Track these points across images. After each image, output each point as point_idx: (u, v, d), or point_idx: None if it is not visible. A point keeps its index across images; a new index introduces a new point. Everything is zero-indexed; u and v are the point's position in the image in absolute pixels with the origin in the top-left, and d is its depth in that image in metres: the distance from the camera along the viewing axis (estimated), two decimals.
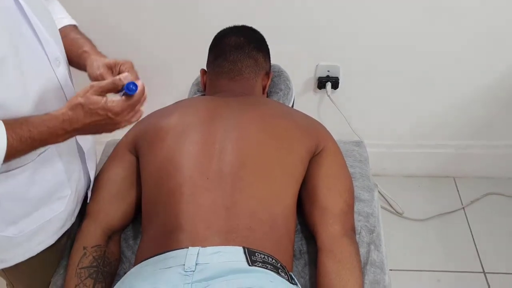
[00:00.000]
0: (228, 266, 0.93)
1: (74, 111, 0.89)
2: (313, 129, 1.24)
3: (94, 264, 1.09)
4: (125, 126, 0.95)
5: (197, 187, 1.07)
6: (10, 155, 0.85)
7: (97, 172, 1.24)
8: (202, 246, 0.97)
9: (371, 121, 2.02)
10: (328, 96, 1.89)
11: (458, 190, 2.14)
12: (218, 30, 1.41)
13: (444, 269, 1.84)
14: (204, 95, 1.43)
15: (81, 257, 1.10)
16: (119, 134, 1.30)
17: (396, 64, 1.85)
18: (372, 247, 1.17)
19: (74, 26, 1.18)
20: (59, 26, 1.13)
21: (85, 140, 1.12)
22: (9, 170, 0.96)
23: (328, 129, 1.28)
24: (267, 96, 1.44)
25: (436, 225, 1.99)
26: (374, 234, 1.20)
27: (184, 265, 0.93)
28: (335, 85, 1.90)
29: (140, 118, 0.96)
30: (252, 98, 1.30)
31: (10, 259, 1.07)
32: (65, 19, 1.17)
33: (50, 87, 0.96)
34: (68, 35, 1.13)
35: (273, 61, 1.45)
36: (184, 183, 1.08)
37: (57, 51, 1.00)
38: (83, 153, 1.13)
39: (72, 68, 1.11)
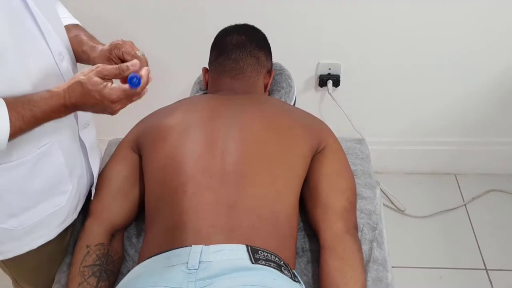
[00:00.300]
0: (231, 264, 0.93)
1: (73, 88, 0.90)
2: (315, 127, 1.24)
3: (98, 262, 1.10)
4: (121, 109, 0.96)
5: (199, 185, 1.07)
6: (14, 134, 0.86)
7: (100, 170, 1.24)
8: (205, 244, 0.97)
9: (372, 119, 2.02)
10: (330, 94, 1.89)
11: (459, 187, 2.14)
12: (220, 29, 1.41)
13: (446, 266, 1.84)
14: (206, 93, 1.43)
15: (84, 256, 1.10)
16: (121, 133, 1.31)
17: (397, 62, 1.85)
18: (375, 244, 1.18)
19: (76, 25, 1.18)
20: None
21: (87, 136, 1.12)
22: (10, 162, 0.96)
23: (329, 126, 1.28)
24: (269, 94, 1.44)
25: (437, 222, 2.00)
26: (376, 231, 1.20)
27: (187, 263, 0.94)
28: (336, 83, 1.90)
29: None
30: (254, 97, 1.30)
31: (8, 252, 1.07)
32: (67, 19, 1.17)
33: (53, 81, 0.96)
34: (69, 33, 1.13)
35: (275, 59, 1.46)
36: (187, 181, 1.08)
37: (61, 45, 1.00)
38: (86, 149, 1.13)
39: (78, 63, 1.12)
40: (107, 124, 1.75)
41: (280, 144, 1.16)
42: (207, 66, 1.41)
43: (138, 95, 0.93)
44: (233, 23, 1.42)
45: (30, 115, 0.87)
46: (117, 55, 1.00)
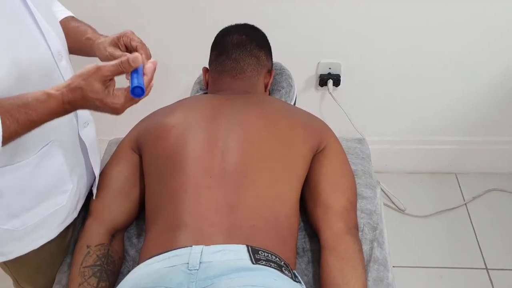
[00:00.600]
0: (232, 265, 0.93)
1: (74, 93, 0.86)
2: (316, 127, 1.24)
3: (98, 263, 1.10)
4: (123, 110, 0.92)
5: (200, 185, 1.07)
6: (10, 137, 0.83)
7: (101, 170, 1.24)
8: (206, 245, 0.97)
9: (373, 118, 2.02)
10: (330, 93, 1.89)
11: (460, 186, 2.14)
12: (220, 29, 1.41)
13: (447, 265, 1.84)
14: (206, 93, 1.43)
15: (84, 256, 1.10)
16: (121, 133, 1.31)
17: (397, 61, 1.85)
18: (375, 244, 1.18)
19: (72, 17, 1.19)
20: (58, 19, 1.13)
21: (87, 135, 1.12)
22: (13, 164, 0.96)
23: (329, 126, 1.28)
24: (269, 94, 1.44)
25: (438, 222, 2.00)
26: (377, 231, 1.20)
27: (188, 263, 0.94)
28: (336, 83, 1.90)
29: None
30: (255, 96, 1.30)
31: (10, 252, 1.07)
32: (62, 12, 1.17)
33: (52, 80, 0.96)
34: (69, 25, 1.13)
35: (275, 59, 1.45)
36: (187, 181, 1.08)
37: (60, 45, 1.00)
38: (86, 147, 1.13)
39: (73, 62, 1.11)
40: (107, 124, 1.75)
41: (281, 144, 1.15)
42: (207, 66, 1.41)
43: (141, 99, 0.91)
44: (233, 23, 1.42)
45: (25, 118, 0.83)
46: (125, 42, 1.00)
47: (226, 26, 1.41)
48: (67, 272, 1.15)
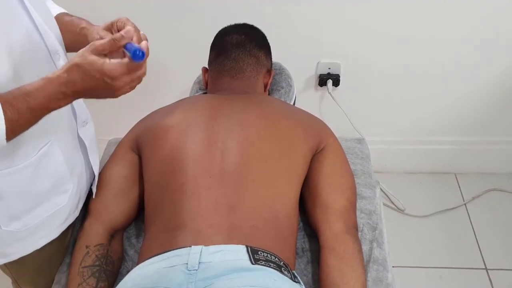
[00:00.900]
0: (231, 265, 0.93)
1: (70, 73, 0.84)
2: (315, 127, 1.24)
3: (97, 263, 1.09)
4: (126, 92, 0.89)
5: (199, 185, 1.07)
6: (14, 130, 0.82)
7: (100, 170, 1.24)
8: (205, 245, 0.97)
9: (372, 118, 2.02)
10: (329, 93, 1.89)
11: (459, 186, 2.14)
12: (219, 28, 1.41)
13: (446, 265, 1.84)
14: (205, 93, 1.43)
15: (83, 256, 1.10)
16: (121, 133, 1.31)
17: (396, 61, 1.85)
18: (375, 244, 1.17)
19: (65, 13, 1.18)
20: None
21: (87, 134, 1.12)
22: (14, 166, 0.96)
23: (329, 126, 1.28)
24: (269, 94, 1.44)
25: (437, 222, 2.00)
26: (376, 231, 1.20)
27: (187, 264, 0.93)
28: (336, 83, 1.90)
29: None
30: (254, 96, 1.30)
31: (13, 254, 1.07)
32: (56, 9, 1.17)
33: None
34: (63, 19, 1.13)
35: (274, 59, 1.45)
36: (187, 181, 1.08)
37: (57, 44, 1.00)
38: (85, 146, 1.13)
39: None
40: (106, 124, 1.75)
41: (280, 144, 1.15)
42: (207, 66, 1.41)
43: (141, 67, 0.88)
44: (232, 23, 1.42)
45: (25, 106, 0.81)
46: (118, 27, 0.99)
47: (225, 26, 1.41)
48: (66, 272, 1.15)
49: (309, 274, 1.13)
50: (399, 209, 2.05)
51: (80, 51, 0.86)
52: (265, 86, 1.38)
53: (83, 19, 1.13)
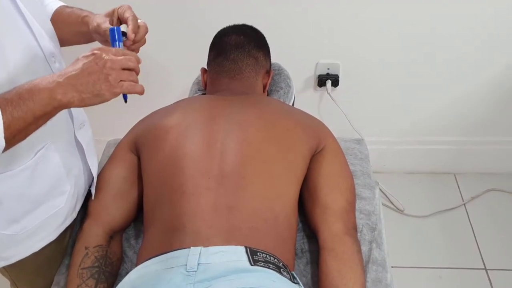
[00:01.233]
0: (230, 266, 0.93)
1: (63, 71, 0.84)
2: (314, 128, 1.24)
3: (96, 264, 1.09)
4: (117, 78, 0.84)
5: (198, 186, 1.07)
6: (9, 124, 0.80)
7: (99, 171, 1.24)
8: (204, 246, 0.97)
9: (372, 119, 2.02)
10: (328, 94, 1.89)
11: (459, 187, 2.13)
12: (218, 29, 1.41)
13: (446, 265, 1.84)
14: (204, 94, 1.43)
15: (83, 257, 1.10)
16: (120, 133, 1.31)
17: (396, 62, 1.85)
18: (374, 245, 1.17)
19: (65, 6, 1.18)
20: (51, 12, 1.13)
21: (84, 136, 1.12)
22: (10, 170, 0.96)
23: (328, 127, 1.28)
24: (268, 95, 1.44)
25: (437, 222, 2.00)
26: (375, 232, 1.20)
27: (186, 265, 0.93)
28: (335, 83, 1.89)
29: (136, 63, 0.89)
30: (253, 97, 1.29)
31: (12, 257, 1.07)
32: (54, 3, 1.16)
33: None
34: (64, 12, 1.13)
35: (273, 59, 1.45)
36: (186, 182, 1.08)
37: (52, 47, 1.00)
38: (83, 148, 1.13)
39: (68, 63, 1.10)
40: (105, 125, 1.75)
41: (279, 144, 1.15)
42: (206, 67, 1.41)
43: (131, 54, 0.87)
44: (232, 23, 1.42)
45: (16, 97, 0.80)
46: (119, 14, 1.01)
47: (225, 26, 1.41)
48: (65, 274, 1.15)
49: (308, 275, 1.13)
50: (398, 209, 2.05)
51: None
52: (264, 87, 1.38)
53: (84, 10, 1.13)
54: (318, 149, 1.20)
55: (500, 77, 1.88)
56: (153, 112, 1.30)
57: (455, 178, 2.17)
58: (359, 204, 1.24)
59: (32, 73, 0.91)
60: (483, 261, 1.85)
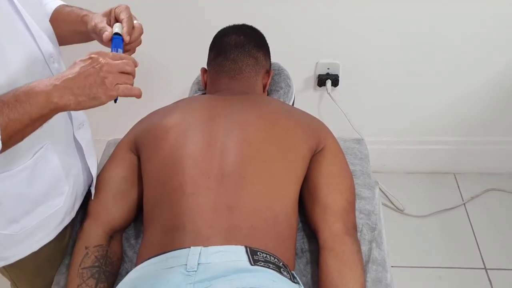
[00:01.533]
0: (230, 266, 0.93)
1: (59, 74, 0.85)
2: (314, 127, 1.24)
3: (96, 264, 1.09)
4: (114, 81, 0.85)
5: (198, 186, 1.07)
6: (6, 126, 0.80)
7: (98, 171, 1.24)
8: (204, 246, 0.97)
9: (371, 118, 2.02)
10: (328, 93, 1.89)
11: (458, 186, 2.14)
12: (218, 29, 1.41)
13: (446, 265, 1.84)
14: (204, 94, 1.43)
15: (83, 257, 1.10)
16: (120, 133, 1.31)
17: (396, 61, 1.85)
18: (374, 245, 1.17)
19: (65, 4, 1.18)
20: (51, 11, 1.13)
21: (83, 136, 1.12)
22: (9, 170, 0.96)
23: (328, 126, 1.28)
24: (268, 95, 1.44)
25: (437, 222, 2.00)
26: (375, 232, 1.20)
27: (186, 265, 0.93)
28: (335, 83, 1.89)
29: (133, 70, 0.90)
30: (253, 97, 1.30)
31: (11, 257, 1.07)
32: (54, 2, 1.16)
33: None
34: (63, 11, 1.13)
35: (273, 59, 1.45)
36: (186, 182, 1.08)
37: (51, 48, 1.00)
38: (82, 148, 1.13)
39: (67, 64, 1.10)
40: (105, 125, 1.75)
41: (279, 144, 1.15)
42: (206, 67, 1.41)
43: (127, 58, 0.88)
44: (231, 23, 1.42)
45: (13, 99, 0.81)
46: (116, 14, 1.01)
47: (224, 26, 1.41)
48: (65, 274, 1.15)
49: (308, 274, 1.13)
50: (398, 209, 2.05)
51: None
52: (264, 87, 1.38)
53: (83, 9, 1.13)
54: (318, 149, 1.20)
55: (500, 77, 1.88)
56: (153, 112, 1.30)
57: (455, 178, 2.17)
58: (359, 204, 1.24)
59: (31, 74, 0.91)
60: (483, 260, 1.85)
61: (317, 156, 1.20)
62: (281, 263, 0.99)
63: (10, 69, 0.88)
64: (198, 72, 1.47)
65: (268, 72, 1.39)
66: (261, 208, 1.06)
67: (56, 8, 1.14)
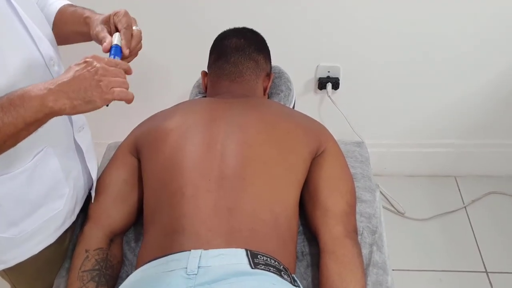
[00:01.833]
0: (230, 269, 0.93)
1: (55, 79, 0.85)
2: (315, 130, 1.24)
3: (97, 267, 1.09)
4: (109, 84, 0.85)
5: (198, 189, 1.07)
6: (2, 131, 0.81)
7: (99, 174, 1.24)
8: (205, 249, 0.97)
9: (372, 121, 2.02)
10: (329, 96, 1.89)
11: (459, 189, 2.13)
12: (219, 32, 1.41)
13: (446, 268, 1.84)
14: (205, 97, 1.43)
15: (83, 260, 1.10)
16: (120, 136, 1.31)
17: (396, 65, 1.85)
18: (375, 248, 1.17)
19: (70, 4, 1.18)
20: (55, 11, 1.13)
21: (83, 139, 1.12)
22: (8, 173, 0.96)
23: (329, 129, 1.28)
24: (268, 98, 1.44)
25: (437, 225, 1.99)
26: (376, 235, 1.20)
27: (186, 268, 0.93)
28: (335, 86, 1.90)
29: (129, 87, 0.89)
30: (254, 100, 1.30)
31: (11, 260, 1.07)
32: (59, 2, 1.16)
33: None
34: (67, 11, 1.13)
35: (274, 62, 1.45)
36: (186, 185, 1.08)
37: (51, 51, 1.00)
38: (82, 151, 1.12)
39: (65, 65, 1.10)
40: (106, 128, 1.75)
41: (280, 147, 1.15)
42: (206, 70, 1.41)
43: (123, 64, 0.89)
44: (232, 26, 1.42)
45: (8, 103, 0.81)
46: (115, 22, 1.00)
47: (225, 29, 1.41)
48: (65, 277, 1.15)
49: (309, 278, 1.13)
50: (399, 212, 2.05)
51: None
52: (265, 90, 1.38)
53: (86, 9, 1.12)
54: (318, 152, 1.20)
55: (500, 80, 1.88)
56: (153, 115, 1.30)
57: (456, 181, 2.17)
58: (359, 207, 1.24)
59: (31, 77, 0.91)
60: (484, 264, 1.84)
61: (317, 159, 1.19)
62: (281, 266, 0.99)
63: (10, 72, 0.88)
64: (198, 74, 1.47)
65: (268, 75, 1.40)
66: (261, 209, 1.06)
67: (60, 8, 1.14)
